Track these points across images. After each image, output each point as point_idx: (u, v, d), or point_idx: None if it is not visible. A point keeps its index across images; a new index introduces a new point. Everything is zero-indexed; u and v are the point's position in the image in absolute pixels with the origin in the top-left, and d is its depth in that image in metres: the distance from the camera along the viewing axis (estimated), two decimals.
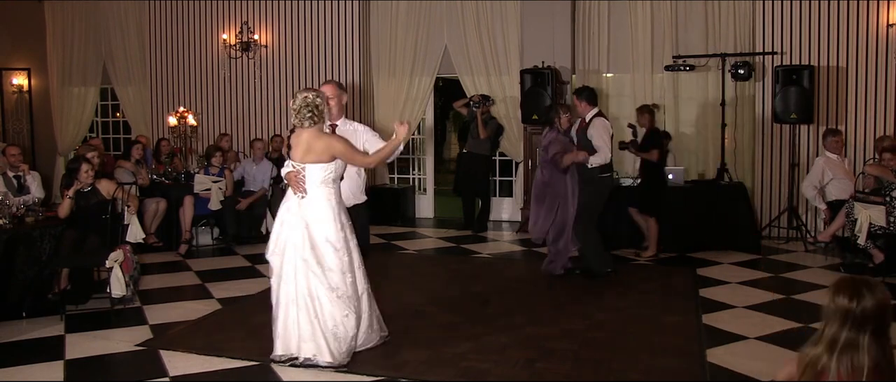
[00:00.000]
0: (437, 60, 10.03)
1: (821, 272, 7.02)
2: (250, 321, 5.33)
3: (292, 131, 4.57)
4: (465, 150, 9.82)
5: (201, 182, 8.32)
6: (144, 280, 6.60)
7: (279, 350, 4.45)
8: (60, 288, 5.82)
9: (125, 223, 6.18)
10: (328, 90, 4.85)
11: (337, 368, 4.34)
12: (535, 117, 8.73)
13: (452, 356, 4.60)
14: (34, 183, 7.10)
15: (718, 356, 4.59)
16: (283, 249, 4.41)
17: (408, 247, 8.46)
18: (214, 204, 8.27)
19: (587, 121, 6.63)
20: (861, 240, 6.72)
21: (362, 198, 5.09)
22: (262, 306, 5.17)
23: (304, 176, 4.39)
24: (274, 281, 4.49)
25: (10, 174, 6.94)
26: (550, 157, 6.58)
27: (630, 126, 7.82)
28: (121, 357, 4.73)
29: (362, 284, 4.56)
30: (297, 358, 4.39)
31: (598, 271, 6.63)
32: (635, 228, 7.93)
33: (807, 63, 8.34)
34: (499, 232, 9.46)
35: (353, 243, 4.50)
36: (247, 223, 8.64)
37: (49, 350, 4.83)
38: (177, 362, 4.55)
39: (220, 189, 8.32)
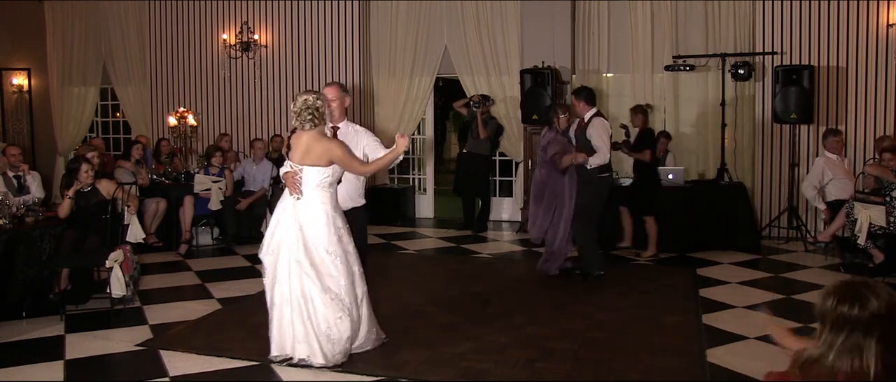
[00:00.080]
0: (437, 60, 10.03)
1: (821, 272, 7.02)
2: (250, 321, 5.33)
3: (293, 131, 4.56)
4: (465, 150, 9.82)
5: (201, 182, 8.32)
6: (144, 280, 6.60)
7: (274, 350, 4.46)
8: (61, 288, 5.82)
9: (125, 223, 6.18)
10: (331, 92, 4.83)
11: (332, 369, 4.34)
12: (535, 117, 8.73)
13: (452, 356, 4.60)
14: (34, 183, 7.10)
15: (718, 356, 4.59)
16: (278, 249, 4.41)
17: (408, 247, 8.46)
18: (214, 205, 8.28)
19: (586, 121, 6.63)
20: (861, 240, 6.72)
21: (361, 202, 5.02)
22: (261, 306, 5.14)
23: (300, 177, 4.39)
24: (267, 281, 4.49)
25: (10, 174, 6.94)
26: (549, 158, 6.58)
27: (623, 126, 7.83)
28: (121, 357, 4.73)
29: (361, 288, 4.53)
30: (292, 359, 4.40)
31: (590, 272, 6.62)
32: (619, 225, 7.92)
33: (807, 63, 8.34)
34: (499, 232, 9.46)
35: (350, 247, 4.48)
36: (247, 223, 8.65)
37: (49, 350, 4.83)
38: (177, 362, 4.55)
39: (220, 189, 8.32)
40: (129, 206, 6.23)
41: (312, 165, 4.36)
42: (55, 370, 4.47)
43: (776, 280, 6.73)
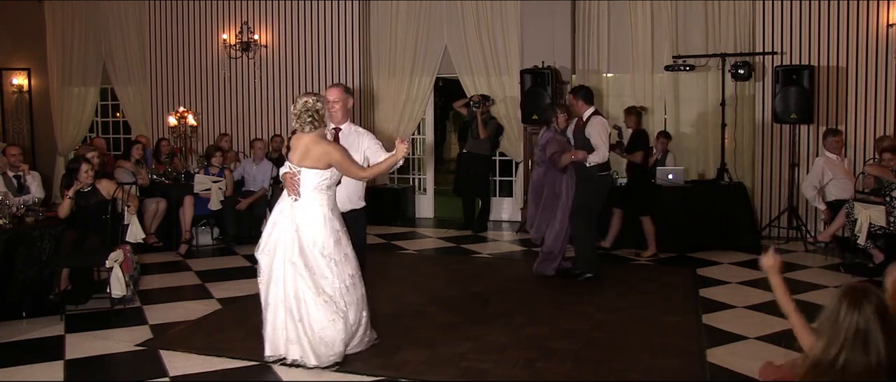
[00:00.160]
0: (437, 60, 10.03)
1: (821, 272, 7.02)
2: (250, 321, 5.32)
3: (294, 132, 4.56)
4: (465, 150, 9.82)
5: (201, 182, 8.32)
6: (144, 280, 6.60)
7: (268, 350, 4.46)
8: (61, 288, 5.81)
9: (125, 223, 6.18)
10: (334, 94, 4.81)
11: (332, 369, 4.33)
12: (535, 117, 8.73)
13: (452, 356, 4.60)
14: (34, 183, 7.10)
15: (718, 356, 4.59)
16: (274, 249, 4.41)
17: (408, 247, 8.46)
18: (214, 205, 8.27)
19: (584, 119, 6.63)
20: (861, 240, 6.72)
21: (360, 204, 4.99)
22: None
23: (299, 179, 4.38)
24: (263, 281, 4.48)
25: (10, 174, 6.94)
26: (549, 157, 6.58)
27: (616, 127, 7.83)
28: (121, 357, 4.73)
29: (359, 290, 4.51)
30: (285, 359, 4.40)
31: (582, 272, 6.60)
32: (606, 224, 7.90)
33: (807, 63, 8.34)
34: (499, 232, 9.46)
35: (348, 249, 4.46)
36: (247, 223, 8.64)
37: (49, 350, 4.83)
38: (177, 362, 4.55)
39: (220, 189, 8.32)
40: (129, 206, 6.23)
41: (311, 167, 4.35)
42: (55, 370, 4.47)
43: None
